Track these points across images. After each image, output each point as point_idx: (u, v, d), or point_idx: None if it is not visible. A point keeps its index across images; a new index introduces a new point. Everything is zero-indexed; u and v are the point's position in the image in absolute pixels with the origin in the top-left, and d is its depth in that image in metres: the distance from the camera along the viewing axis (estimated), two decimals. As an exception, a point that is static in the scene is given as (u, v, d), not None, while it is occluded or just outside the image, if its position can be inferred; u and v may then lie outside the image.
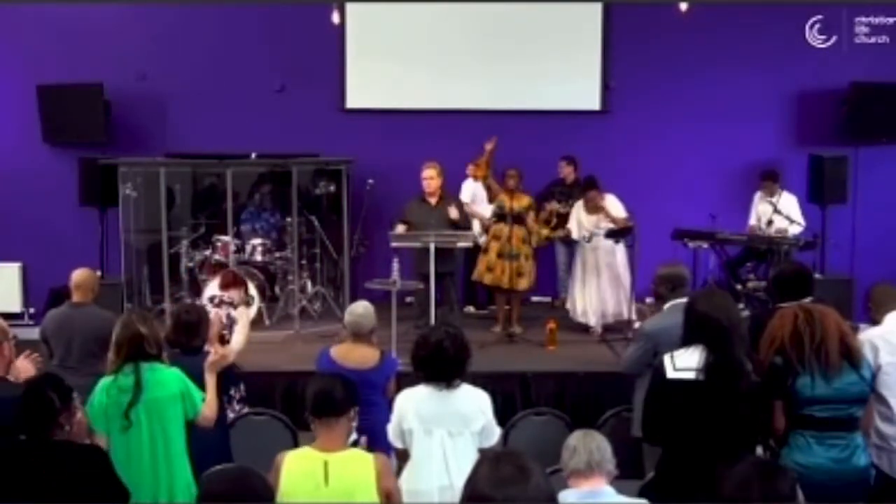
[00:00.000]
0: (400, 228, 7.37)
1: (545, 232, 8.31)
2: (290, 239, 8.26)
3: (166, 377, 4.05)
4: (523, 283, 7.72)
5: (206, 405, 4.14)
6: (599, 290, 7.85)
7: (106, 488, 3.31)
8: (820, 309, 3.87)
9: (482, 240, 7.82)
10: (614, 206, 7.82)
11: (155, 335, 4.08)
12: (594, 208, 7.80)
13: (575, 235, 7.98)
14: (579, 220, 7.93)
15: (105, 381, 4.04)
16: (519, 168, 7.86)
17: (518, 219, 7.63)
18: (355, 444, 3.72)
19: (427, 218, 7.36)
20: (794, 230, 8.17)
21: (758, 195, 8.55)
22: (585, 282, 7.93)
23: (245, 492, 2.62)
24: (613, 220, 7.71)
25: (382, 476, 3.39)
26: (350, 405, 3.48)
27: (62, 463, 3.26)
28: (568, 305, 8.17)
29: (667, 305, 4.98)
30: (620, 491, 3.31)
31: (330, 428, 3.42)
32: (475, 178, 8.00)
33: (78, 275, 5.48)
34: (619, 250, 7.81)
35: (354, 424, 3.55)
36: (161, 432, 3.99)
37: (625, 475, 3.55)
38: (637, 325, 7.40)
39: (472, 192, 8.37)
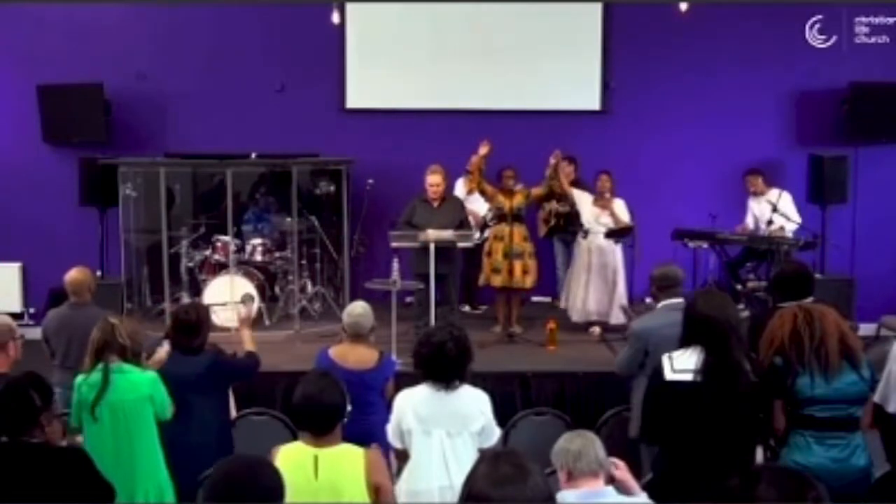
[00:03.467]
0: (432, 234, 7.10)
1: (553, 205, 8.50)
2: (290, 239, 8.26)
3: (135, 380, 4.08)
4: (529, 281, 7.74)
5: None
6: (586, 287, 7.87)
7: (89, 489, 3.28)
8: (819, 309, 3.87)
9: (476, 235, 7.82)
10: (620, 209, 7.84)
11: (127, 341, 4.08)
12: (600, 202, 7.81)
13: (584, 220, 7.96)
14: (581, 207, 7.97)
15: (79, 379, 4.13)
16: (515, 168, 7.86)
17: (518, 217, 7.66)
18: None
19: (430, 219, 7.36)
20: (790, 227, 8.18)
21: (750, 196, 8.57)
22: (575, 277, 7.98)
23: (255, 481, 2.51)
24: (615, 219, 7.70)
25: (372, 470, 3.36)
26: (339, 417, 3.40)
27: (44, 465, 3.20)
28: (561, 302, 8.23)
29: (658, 305, 5.00)
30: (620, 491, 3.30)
31: (318, 435, 3.38)
32: (469, 191, 8.02)
33: (71, 277, 5.47)
34: (616, 253, 7.82)
35: (345, 421, 3.46)
36: (126, 433, 4.03)
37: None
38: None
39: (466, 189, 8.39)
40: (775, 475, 2.42)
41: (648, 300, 7.79)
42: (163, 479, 4.14)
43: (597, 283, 7.84)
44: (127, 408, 4.03)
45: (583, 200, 7.96)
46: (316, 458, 3.33)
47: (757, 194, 8.48)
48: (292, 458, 3.35)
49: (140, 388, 4.07)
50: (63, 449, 3.43)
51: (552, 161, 7.69)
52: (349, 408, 3.46)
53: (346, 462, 3.36)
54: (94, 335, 4.11)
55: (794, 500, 2.33)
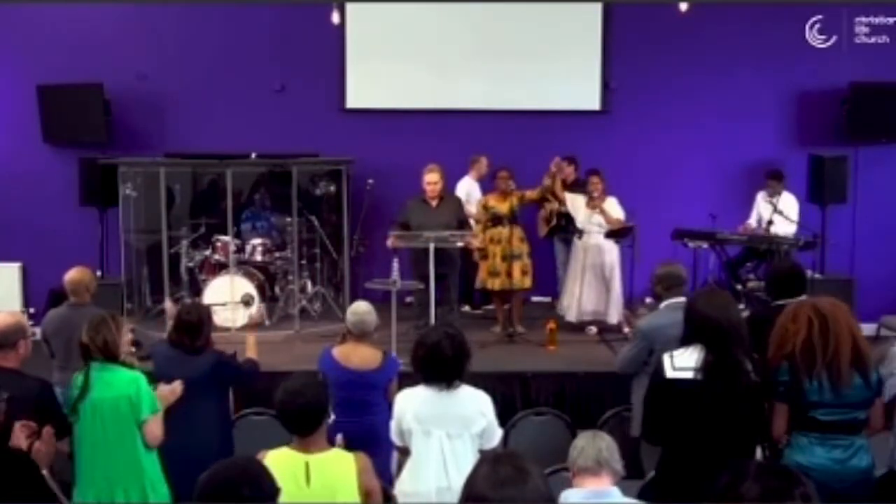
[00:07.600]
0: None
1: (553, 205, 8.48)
2: (290, 239, 8.26)
3: (117, 378, 4.05)
4: (528, 282, 7.77)
5: (155, 423, 4.09)
6: (581, 287, 7.90)
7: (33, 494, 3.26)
8: (833, 312, 3.72)
9: (478, 240, 7.83)
10: (613, 207, 7.85)
11: (105, 342, 4.05)
12: (591, 203, 7.83)
13: (578, 221, 7.97)
14: (575, 210, 7.97)
15: (74, 377, 4.13)
16: (510, 169, 7.86)
17: (514, 219, 7.66)
18: (331, 442, 3.58)
19: (427, 219, 7.36)
20: (790, 229, 8.18)
21: (760, 195, 8.55)
22: (571, 277, 8.01)
23: (248, 483, 2.48)
24: (608, 220, 7.73)
25: (363, 474, 3.35)
26: (322, 416, 3.33)
27: None
28: (559, 304, 8.25)
29: (662, 304, 5.01)
30: (621, 491, 3.30)
31: (305, 436, 3.34)
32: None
33: (71, 277, 5.47)
34: (612, 252, 7.84)
35: (330, 420, 3.44)
36: (103, 431, 4.00)
37: (625, 475, 3.55)
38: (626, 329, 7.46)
39: (467, 190, 8.40)
40: (761, 472, 2.39)
41: (648, 300, 7.82)
42: (151, 481, 4.06)
43: (592, 282, 7.86)
44: (105, 406, 3.99)
45: (576, 203, 7.98)
46: (307, 465, 3.27)
47: (772, 195, 8.44)
48: (281, 465, 3.24)
49: (119, 387, 4.02)
50: (11, 454, 3.41)
51: (553, 169, 7.71)
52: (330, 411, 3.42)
53: (338, 467, 3.32)
54: (82, 334, 4.09)
55: (779, 496, 2.31)
